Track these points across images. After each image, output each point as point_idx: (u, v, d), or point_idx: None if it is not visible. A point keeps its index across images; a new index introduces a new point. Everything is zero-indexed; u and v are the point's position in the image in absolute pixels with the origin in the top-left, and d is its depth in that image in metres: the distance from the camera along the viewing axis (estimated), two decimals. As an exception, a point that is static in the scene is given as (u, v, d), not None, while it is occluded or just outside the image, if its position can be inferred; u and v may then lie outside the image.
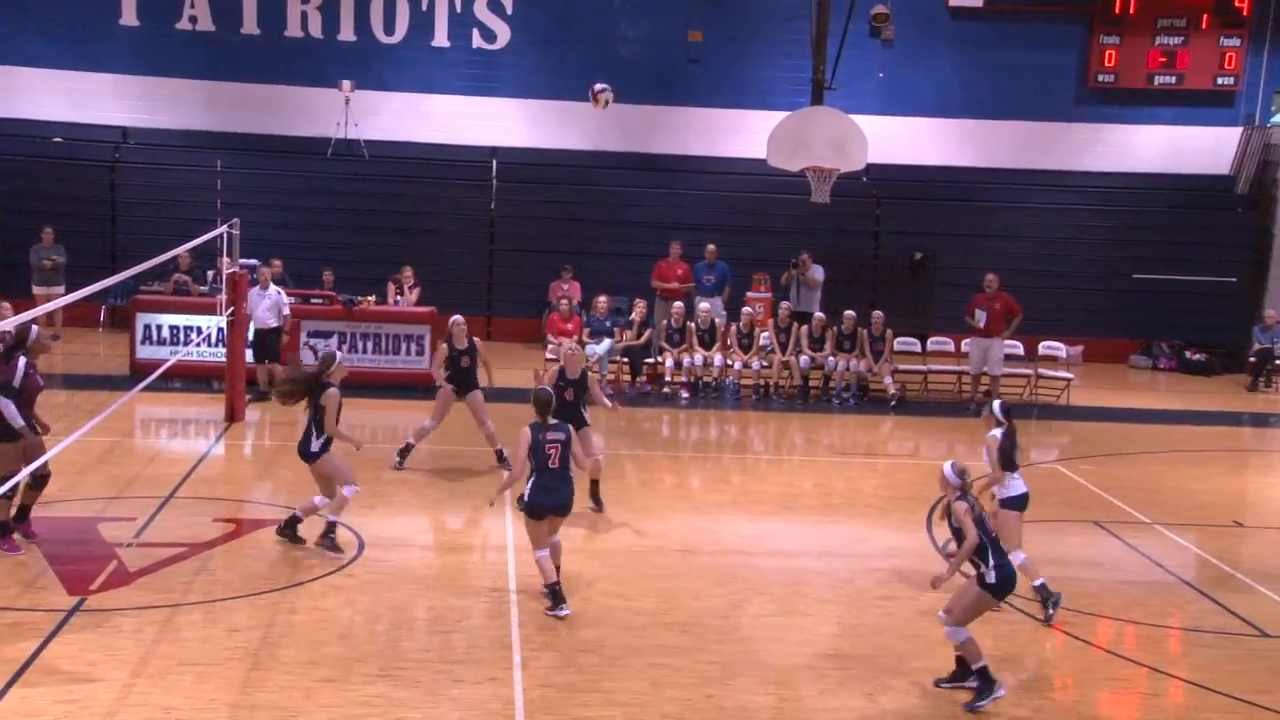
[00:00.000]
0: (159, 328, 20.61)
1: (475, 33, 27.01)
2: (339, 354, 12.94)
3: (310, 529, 12.72)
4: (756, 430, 20.43)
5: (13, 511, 12.13)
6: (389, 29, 26.87)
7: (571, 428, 11.64)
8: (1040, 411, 22.07)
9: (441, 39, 27.00)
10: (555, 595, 11.18)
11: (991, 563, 9.93)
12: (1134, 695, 10.49)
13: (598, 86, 15.84)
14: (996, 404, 12.49)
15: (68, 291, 19.19)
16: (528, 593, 11.82)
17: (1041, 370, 22.88)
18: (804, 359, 21.73)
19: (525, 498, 11.17)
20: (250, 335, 19.24)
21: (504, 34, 27.06)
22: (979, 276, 21.98)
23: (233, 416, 18.21)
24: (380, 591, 11.67)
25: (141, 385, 15.93)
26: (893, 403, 21.57)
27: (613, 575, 12.45)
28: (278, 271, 22.81)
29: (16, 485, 11.55)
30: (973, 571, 10.02)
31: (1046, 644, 11.45)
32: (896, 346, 22.45)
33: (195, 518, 13.79)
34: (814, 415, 20.92)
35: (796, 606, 12.01)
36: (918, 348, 23.42)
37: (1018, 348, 22.76)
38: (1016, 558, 11.66)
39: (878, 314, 22.01)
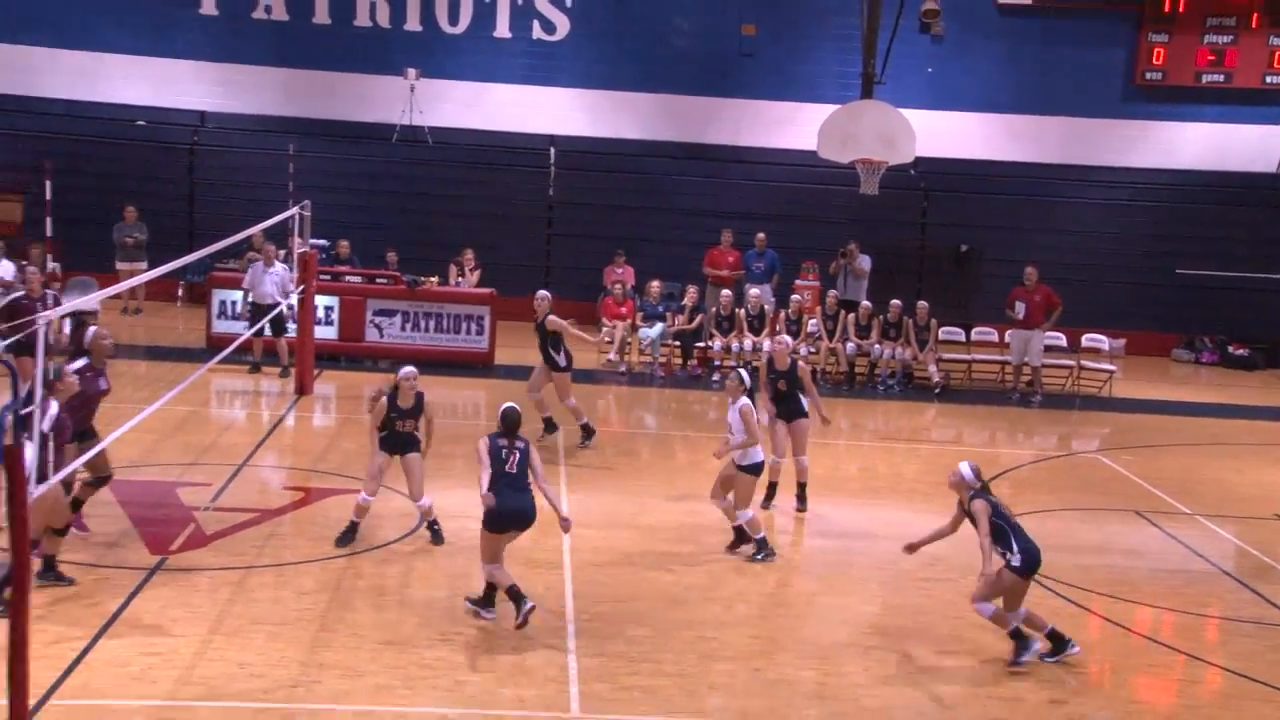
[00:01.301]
0: (233, 303, 20.75)
1: (535, 24, 27.07)
2: (405, 370, 12.07)
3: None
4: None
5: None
6: (453, 20, 26.98)
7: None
8: (1082, 402, 21.95)
9: (503, 30, 27.07)
10: (488, 597, 10.51)
11: (1015, 547, 10.16)
12: (1171, 681, 10.47)
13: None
14: (744, 371, 12.97)
15: (149, 268, 19.47)
16: (582, 565, 11.94)
17: (1084, 362, 22.71)
18: (850, 346, 21.70)
19: (488, 510, 10.31)
20: (251, 310, 19.56)
21: (563, 25, 27.11)
22: (1023, 269, 21.82)
23: (302, 390, 18.42)
24: (440, 560, 11.80)
25: (217, 358, 16.15)
26: (937, 390, 21.52)
27: (661, 551, 12.53)
28: (345, 252, 23.05)
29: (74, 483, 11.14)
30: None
31: (1086, 629, 11.44)
32: (941, 336, 22.33)
33: (267, 485, 14.02)
34: (859, 401, 20.87)
35: (840, 586, 12.06)
36: (962, 337, 23.29)
37: (1060, 339, 22.66)
38: (744, 515, 12.43)
39: (923, 304, 21.92)
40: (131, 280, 14.87)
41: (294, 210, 18.89)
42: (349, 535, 12.08)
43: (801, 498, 14.24)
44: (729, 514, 12.59)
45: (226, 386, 19.02)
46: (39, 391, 8.33)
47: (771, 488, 14.18)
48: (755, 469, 12.44)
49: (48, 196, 23.21)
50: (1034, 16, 27.26)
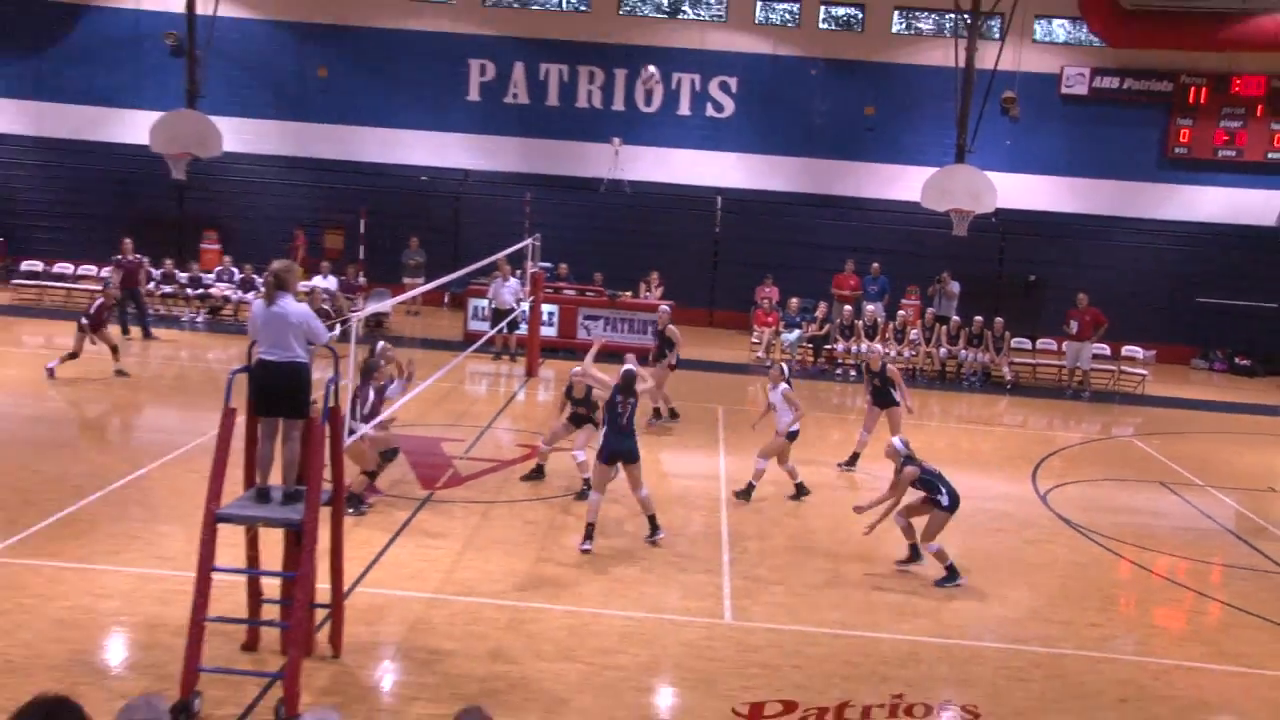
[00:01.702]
0: (482, 308, 21.14)
1: (709, 105, 26.97)
2: (574, 370, 12.19)
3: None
4: (902, 401, 20.02)
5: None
6: (648, 102, 27.04)
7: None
8: (1120, 398, 21.04)
9: (685, 109, 27.06)
10: (653, 526, 10.53)
11: (943, 490, 10.04)
12: (1183, 612, 10.03)
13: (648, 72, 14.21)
14: (784, 364, 12.58)
15: (426, 281, 20.03)
16: (734, 510, 11.94)
17: (1123, 367, 21.85)
18: (943, 351, 21.20)
19: (601, 447, 10.37)
20: (491, 313, 19.76)
21: (729, 106, 26.98)
22: (1077, 295, 21.15)
23: (530, 372, 18.76)
24: (627, 504, 11.84)
25: (470, 348, 16.54)
26: (1008, 386, 20.88)
27: (790, 503, 12.43)
28: (564, 272, 23.38)
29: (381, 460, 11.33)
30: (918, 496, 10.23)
31: (1117, 570, 11.02)
32: (1013, 344, 21.71)
33: (503, 443, 14.32)
34: (948, 393, 20.37)
35: (928, 532, 11.80)
36: (1029, 346, 22.67)
37: (1105, 349, 21.86)
38: (760, 463, 12.17)
39: (999, 320, 21.30)
40: (414, 291, 15.37)
41: (528, 241, 19.23)
42: (536, 474, 12.36)
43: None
44: (792, 473, 12.41)
45: (476, 369, 19.42)
46: (352, 373, 8.68)
47: (854, 457, 14.05)
48: (791, 436, 12.26)
49: (361, 231, 24.11)
50: (1089, 104, 26.16)
